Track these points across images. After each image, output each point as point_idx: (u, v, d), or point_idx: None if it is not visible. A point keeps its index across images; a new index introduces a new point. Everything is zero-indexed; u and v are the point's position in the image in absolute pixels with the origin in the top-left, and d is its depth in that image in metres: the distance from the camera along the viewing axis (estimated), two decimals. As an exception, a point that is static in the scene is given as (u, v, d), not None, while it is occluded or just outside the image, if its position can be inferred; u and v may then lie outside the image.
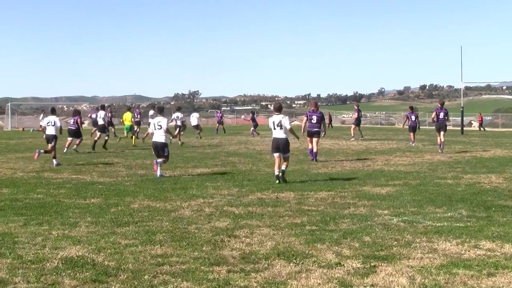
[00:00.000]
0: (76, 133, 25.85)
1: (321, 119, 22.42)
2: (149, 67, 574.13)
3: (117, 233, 9.32)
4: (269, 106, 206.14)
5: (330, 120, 66.76)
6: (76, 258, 7.77)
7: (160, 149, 17.22)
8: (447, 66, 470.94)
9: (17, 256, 7.87)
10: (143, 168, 19.38)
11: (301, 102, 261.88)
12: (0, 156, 24.80)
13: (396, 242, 8.64)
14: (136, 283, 6.68)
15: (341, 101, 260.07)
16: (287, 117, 16.35)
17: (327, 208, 11.58)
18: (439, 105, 28.14)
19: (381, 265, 7.41)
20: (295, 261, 7.61)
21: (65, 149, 25.38)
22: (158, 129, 17.23)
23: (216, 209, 11.45)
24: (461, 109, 53.42)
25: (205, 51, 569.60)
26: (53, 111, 22.67)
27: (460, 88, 67.10)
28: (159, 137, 17.24)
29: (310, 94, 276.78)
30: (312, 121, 22.28)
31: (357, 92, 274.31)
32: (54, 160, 20.44)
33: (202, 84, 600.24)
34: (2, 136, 45.60)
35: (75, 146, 26.30)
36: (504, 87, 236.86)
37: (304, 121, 22.99)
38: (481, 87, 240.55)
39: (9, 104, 72.20)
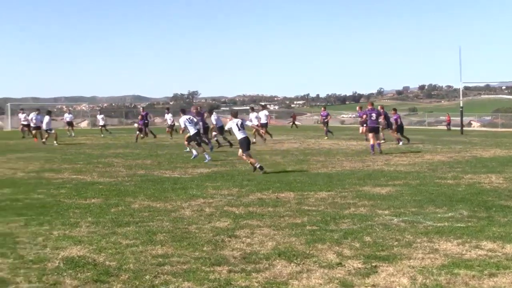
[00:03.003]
0: (205, 130, 28.95)
1: (378, 116, 26.18)
2: (148, 67, 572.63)
3: (118, 233, 9.32)
4: (268, 106, 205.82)
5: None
6: (77, 258, 7.77)
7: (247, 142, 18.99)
8: (446, 66, 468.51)
9: (18, 256, 7.88)
10: (143, 168, 19.38)
11: (300, 102, 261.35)
12: (0, 156, 24.80)
13: (397, 242, 8.64)
14: (137, 283, 6.68)
15: (340, 101, 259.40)
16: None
17: (327, 208, 11.57)
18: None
19: (382, 265, 7.40)
20: (296, 261, 7.61)
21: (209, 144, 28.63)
22: (241, 129, 18.98)
23: (217, 209, 11.45)
24: (461, 109, 53.31)
25: (204, 51, 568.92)
26: (252, 109, 34.95)
27: (459, 88, 66.93)
28: (242, 134, 18.81)
29: (309, 94, 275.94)
30: (372, 118, 25.68)
31: (356, 92, 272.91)
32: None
33: (201, 84, 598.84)
34: (2, 136, 45.55)
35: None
36: (503, 87, 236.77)
37: (363, 118, 27.43)
38: (480, 87, 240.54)
39: (8, 104, 71.87)
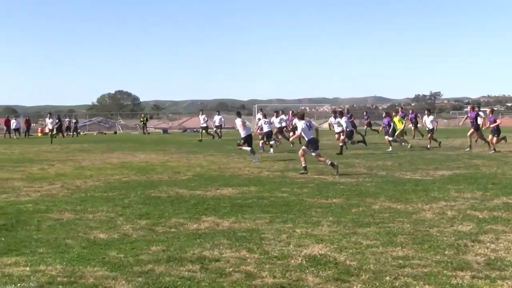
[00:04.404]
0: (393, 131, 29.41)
1: None
2: (390, 68, 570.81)
3: (358, 233, 9.42)
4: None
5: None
6: (319, 256, 7.98)
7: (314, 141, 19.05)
8: None
9: (264, 251, 8.26)
10: (384, 169, 19.37)
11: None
12: (249, 157, 26.07)
13: None
14: (377, 284, 6.72)
15: None
16: None
17: None
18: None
19: None
20: (547, 270, 7.20)
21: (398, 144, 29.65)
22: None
23: (459, 213, 11.14)
24: None
25: (441, 51, 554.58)
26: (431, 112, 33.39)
27: None
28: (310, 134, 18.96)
29: None
30: None
31: None
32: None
33: (444, 85, 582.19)
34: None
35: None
36: None
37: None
38: None
39: (256, 106, 75.47)
